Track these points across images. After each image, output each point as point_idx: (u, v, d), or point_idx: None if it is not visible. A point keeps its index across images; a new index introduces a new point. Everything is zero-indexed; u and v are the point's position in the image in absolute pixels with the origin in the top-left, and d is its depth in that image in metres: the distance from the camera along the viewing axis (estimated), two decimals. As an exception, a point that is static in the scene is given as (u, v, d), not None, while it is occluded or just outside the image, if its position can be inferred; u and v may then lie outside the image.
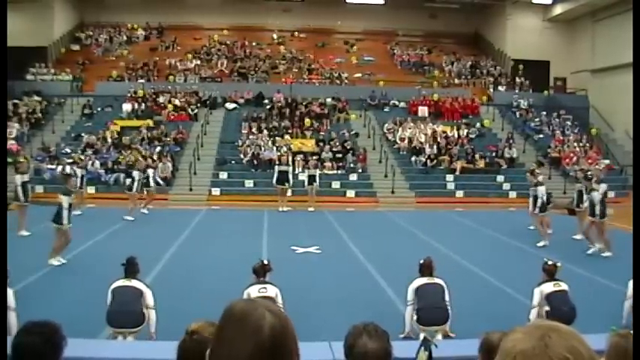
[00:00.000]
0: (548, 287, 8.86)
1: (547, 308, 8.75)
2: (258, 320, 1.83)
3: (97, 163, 27.44)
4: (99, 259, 13.30)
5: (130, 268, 8.58)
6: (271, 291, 8.48)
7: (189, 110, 33.40)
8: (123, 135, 30.21)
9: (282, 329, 1.85)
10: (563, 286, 8.92)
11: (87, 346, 6.94)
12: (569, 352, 1.53)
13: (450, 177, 28.91)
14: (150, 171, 22.73)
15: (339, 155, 29.65)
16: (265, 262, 9.08)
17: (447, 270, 11.94)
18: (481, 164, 29.91)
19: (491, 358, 3.57)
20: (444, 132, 32.18)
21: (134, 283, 8.42)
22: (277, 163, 25.55)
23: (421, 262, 9.35)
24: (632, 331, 3.74)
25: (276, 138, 30.64)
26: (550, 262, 9.28)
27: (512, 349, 1.58)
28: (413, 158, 30.31)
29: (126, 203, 21.00)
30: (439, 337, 8.52)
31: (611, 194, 22.18)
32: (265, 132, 31.01)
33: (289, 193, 24.94)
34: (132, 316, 8.20)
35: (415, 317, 8.81)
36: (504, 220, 21.76)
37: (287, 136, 30.92)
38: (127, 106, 32.84)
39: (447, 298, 8.88)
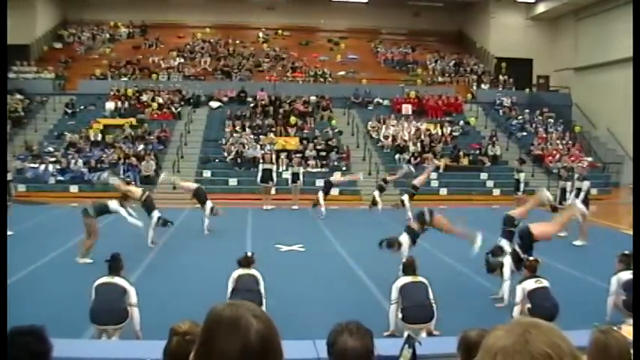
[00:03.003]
0: (530, 284, 8.96)
1: (529, 305, 8.81)
2: (245, 326, 1.86)
3: (80, 162, 27.29)
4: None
5: (114, 265, 8.61)
6: (255, 272, 9.24)
7: (173, 109, 33.28)
8: (106, 133, 30.07)
9: (268, 334, 1.89)
10: (545, 283, 9.02)
11: (70, 345, 6.91)
12: (549, 347, 1.54)
13: (433, 175, 28.95)
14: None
15: (323, 153, 29.65)
16: (249, 254, 9.49)
17: (431, 268, 11.98)
18: (465, 162, 30.04)
19: (470, 354, 3.59)
20: (428, 130, 32.25)
21: (117, 280, 8.46)
22: (261, 161, 25.52)
23: (404, 261, 9.45)
24: (614, 327, 3.77)
25: (260, 136, 30.61)
26: (531, 258, 9.37)
27: (493, 346, 1.59)
28: (397, 156, 30.34)
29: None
30: (423, 334, 8.56)
31: (593, 191, 22.29)
32: (249, 130, 30.98)
33: (273, 191, 24.90)
34: (115, 313, 8.24)
35: (400, 316, 8.84)
36: (488, 218, 21.80)
37: (271, 135, 30.88)
38: (110, 105, 32.65)
39: (430, 296, 8.94)
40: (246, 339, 1.84)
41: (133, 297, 8.39)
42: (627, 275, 9.48)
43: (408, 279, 9.08)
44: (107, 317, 8.21)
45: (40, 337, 3.12)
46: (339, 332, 3.17)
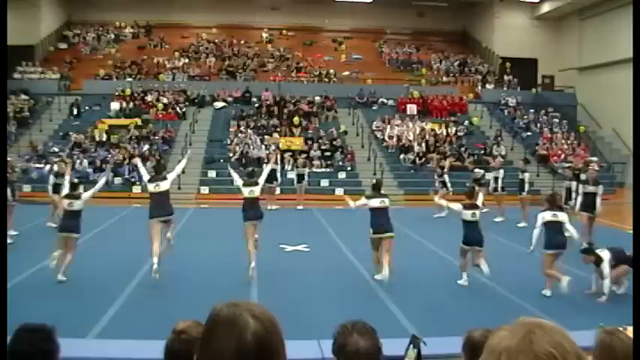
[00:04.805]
0: (548, 215, 11.03)
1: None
2: (242, 326, 1.85)
3: (85, 162, 27.35)
4: (87, 259, 13.24)
5: (158, 168, 13.13)
6: (258, 191, 12.51)
7: (178, 109, 33.33)
8: (111, 133, 30.12)
9: (266, 334, 1.87)
10: (560, 217, 11.05)
11: (75, 345, 6.92)
12: (553, 347, 1.54)
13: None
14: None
15: (328, 153, 29.68)
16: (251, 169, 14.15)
17: (435, 268, 11.98)
18: (469, 162, 29.98)
19: (474, 354, 3.57)
20: (433, 130, 32.23)
21: (162, 185, 12.07)
22: (265, 161, 25.53)
23: (373, 182, 12.86)
24: (620, 328, 3.76)
25: (265, 136, 30.63)
26: (550, 192, 11.99)
27: (497, 346, 1.59)
28: (401, 156, 30.36)
29: (114, 202, 20.87)
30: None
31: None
32: (254, 130, 30.99)
33: (278, 191, 24.90)
34: (168, 209, 12.22)
35: (371, 231, 12.02)
36: (493, 218, 21.80)
37: (275, 135, 30.90)
38: (115, 105, 32.71)
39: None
40: (241, 339, 1.83)
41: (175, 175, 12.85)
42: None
43: (377, 203, 12.00)
44: (163, 212, 12.04)
45: (47, 336, 3.10)
46: (347, 333, 3.14)
